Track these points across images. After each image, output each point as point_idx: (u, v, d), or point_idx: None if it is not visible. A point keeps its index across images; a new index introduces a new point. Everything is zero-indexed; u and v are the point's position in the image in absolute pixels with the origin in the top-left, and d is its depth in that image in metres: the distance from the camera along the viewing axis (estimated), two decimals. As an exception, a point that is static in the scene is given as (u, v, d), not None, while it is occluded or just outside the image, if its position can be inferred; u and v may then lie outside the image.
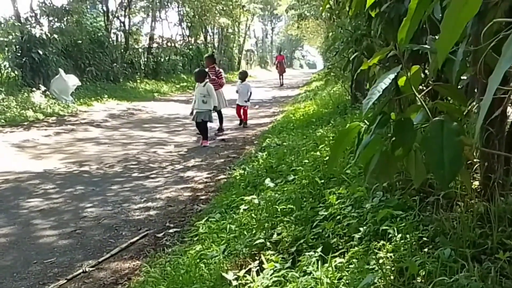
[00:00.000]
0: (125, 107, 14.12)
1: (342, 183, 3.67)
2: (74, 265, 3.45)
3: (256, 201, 3.91)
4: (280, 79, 25.04)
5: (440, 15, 1.89)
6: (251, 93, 10.30)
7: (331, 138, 5.68)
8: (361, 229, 2.65)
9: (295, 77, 34.11)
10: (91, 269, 3.38)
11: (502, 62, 0.87)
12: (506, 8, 1.52)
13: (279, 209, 3.50)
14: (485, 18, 1.59)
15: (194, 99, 8.07)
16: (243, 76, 10.54)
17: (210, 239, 3.38)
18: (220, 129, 9.37)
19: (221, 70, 9.71)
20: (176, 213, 4.57)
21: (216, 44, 32.65)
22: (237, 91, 10.17)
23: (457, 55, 1.67)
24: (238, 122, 10.58)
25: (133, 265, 3.46)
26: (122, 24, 20.47)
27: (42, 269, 3.40)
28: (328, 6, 7.44)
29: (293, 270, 2.47)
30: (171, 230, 4.08)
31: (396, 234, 2.40)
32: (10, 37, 13.40)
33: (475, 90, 2.48)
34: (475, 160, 2.61)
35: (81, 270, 3.35)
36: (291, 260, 2.66)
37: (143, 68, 20.84)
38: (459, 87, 2.34)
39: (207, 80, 8.19)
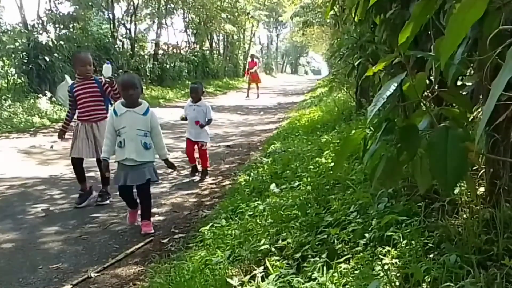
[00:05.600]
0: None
1: (347, 189, 3.67)
2: (79, 271, 3.46)
3: (261, 207, 3.91)
4: (258, 90, 20.28)
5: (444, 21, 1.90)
6: (210, 120, 6.14)
7: (336, 144, 5.69)
8: (366, 235, 2.65)
9: (300, 83, 34.20)
10: (96, 274, 3.38)
11: (506, 68, 0.88)
12: (508, 12, 1.52)
13: (284, 215, 3.50)
14: (486, 22, 1.60)
15: (118, 140, 4.09)
16: (196, 92, 6.16)
17: (215, 244, 3.38)
18: (105, 193, 5.10)
19: (106, 83, 4.95)
20: (181, 219, 4.58)
21: (221, 51, 32.78)
22: (183, 118, 6.26)
23: (455, 58, 1.68)
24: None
25: (138, 270, 3.46)
26: (128, 31, 20.59)
27: (48, 274, 3.41)
28: (332, 13, 7.47)
29: (298, 276, 2.47)
30: (176, 236, 4.09)
31: (401, 240, 2.40)
32: (17, 44, 13.51)
33: (481, 97, 2.48)
34: (481, 166, 2.61)
35: (86, 276, 3.35)
36: (296, 266, 2.66)
37: (148, 74, 20.90)
38: (464, 93, 2.35)
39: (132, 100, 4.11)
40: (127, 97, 4.06)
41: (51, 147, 7.35)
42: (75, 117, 5.08)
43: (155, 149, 4.19)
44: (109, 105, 4.97)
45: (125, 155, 4.03)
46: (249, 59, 22.74)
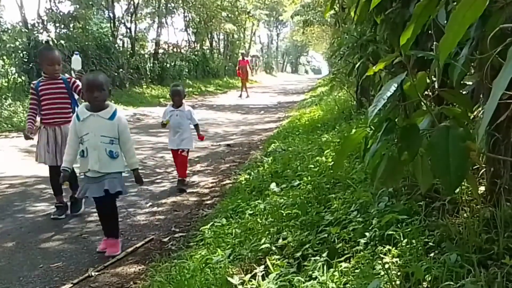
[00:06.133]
0: (131, 112, 14.17)
1: (347, 188, 3.68)
2: (80, 270, 3.46)
3: (261, 206, 3.91)
4: (242, 90, 20.20)
5: (445, 21, 1.90)
6: (197, 125, 5.75)
7: (336, 143, 5.69)
8: (366, 234, 2.65)
9: (301, 82, 34.21)
10: (96, 273, 3.38)
11: (507, 66, 0.88)
12: (511, 12, 1.52)
13: (284, 214, 3.50)
14: (489, 22, 1.60)
15: (80, 148, 3.63)
16: (179, 95, 5.67)
17: (215, 243, 3.39)
18: (74, 204, 4.73)
19: (76, 80, 4.65)
20: (181, 218, 4.58)
21: (221, 50, 32.79)
22: (164, 124, 5.71)
23: (459, 58, 1.68)
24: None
25: (139, 269, 3.46)
26: (128, 30, 20.59)
27: (48, 273, 3.41)
28: (333, 12, 7.47)
29: (298, 275, 2.47)
30: (176, 235, 4.09)
31: (402, 239, 2.40)
32: (17, 43, 13.53)
33: (481, 96, 2.48)
34: (481, 165, 2.61)
35: (86, 275, 3.35)
36: (296, 265, 2.67)
37: (149, 73, 20.92)
38: (464, 92, 2.35)
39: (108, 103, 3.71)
40: (92, 100, 3.57)
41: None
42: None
43: (125, 158, 3.72)
44: (77, 108, 4.31)
45: (88, 166, 3.57)
46: (239, 58, 22.08)
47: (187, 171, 6.02)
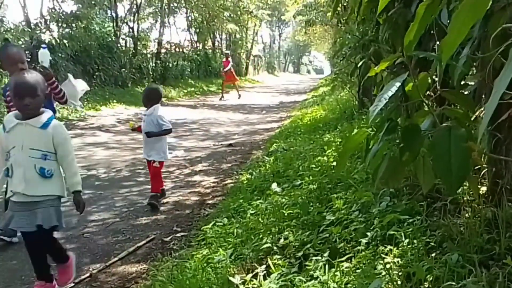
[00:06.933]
0: (134, 112, 14.18)
1: (349, 188, 3.68)
2: (81, 269, 3.46)
3: (263, 205, 3.92)
4: (237, 90, 19.42)
5: (448, 21, 1.90)
6: (165, 131, 4.97)
7: (338, 143, 5.69)
8: (368, 234, 2.65)
9: (303, 82, 34.22)
10: (98, 272, 3.39)
11: (509, 66, 0.88)
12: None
13: (286, 214, 3.51)
14: (491, 21, 1.60)
15: (5, 166, 2.81)
16: (147, 97, 5.13)
17: (217, 243, 3.39)
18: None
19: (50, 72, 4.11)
20: (183, 217, 4.58)
21: (224, 50, 32.80)
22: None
23: (460, 58, 1.68)
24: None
25: (140, 269, 3.47)
26: (130, 30, 20.62)
27: (50, 272, 3.42)
28: (335, 11, 7.46)
29: (300, 275, 2.48)
30: (178, 234, 4.09)
31: (403, 239, 2.41)
32: (20, 42, 13.55)
33: (483, 96, 2.48)
34: (483, 165, 2.61)
35: (88, 274, 3.36)
36: (298, 264, 2.67)
37: (151, 73, 20.93)
38: (466, 92, 2.35)
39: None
40: (22, 108, 2.76)
41: None
42: None
43: (65, 177, 2.94)
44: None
45: (10, 187, 2.83)
46: (223, 58, 21.03)
47: (188, 171, 6.02)
